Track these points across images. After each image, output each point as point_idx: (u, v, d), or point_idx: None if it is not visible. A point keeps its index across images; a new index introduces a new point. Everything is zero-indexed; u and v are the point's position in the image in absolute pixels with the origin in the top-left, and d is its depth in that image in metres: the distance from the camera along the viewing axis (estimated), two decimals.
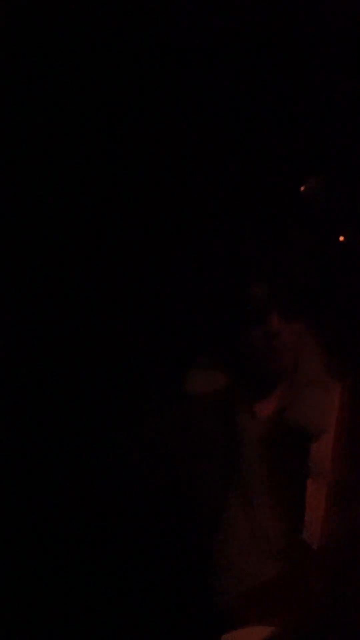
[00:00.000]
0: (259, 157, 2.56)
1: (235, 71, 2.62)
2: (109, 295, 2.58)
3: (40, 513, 2.34)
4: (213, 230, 2.46)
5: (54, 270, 2.61)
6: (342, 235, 2.37)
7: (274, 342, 2.15)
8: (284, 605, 2.08)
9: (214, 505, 2.17)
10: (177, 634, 2.17)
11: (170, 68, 2.63)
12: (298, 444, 2.15)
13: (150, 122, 2.64)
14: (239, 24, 2.59)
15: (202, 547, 2.16)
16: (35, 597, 2.31)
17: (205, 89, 2.65)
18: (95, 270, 2.60)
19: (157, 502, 2.21)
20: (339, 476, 2.11)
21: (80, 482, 2.32)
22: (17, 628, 2.28)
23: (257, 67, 2.61)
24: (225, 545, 2.15)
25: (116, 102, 2.65)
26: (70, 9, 2.61)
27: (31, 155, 2.63)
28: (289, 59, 2.59)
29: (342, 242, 2.36)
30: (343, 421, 2.15)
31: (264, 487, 2.15)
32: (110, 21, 2.62)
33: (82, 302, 2.58)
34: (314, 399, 2.17)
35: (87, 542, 2.29)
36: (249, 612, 2.11)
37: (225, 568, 2.14)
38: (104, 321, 2.57)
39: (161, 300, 2.55)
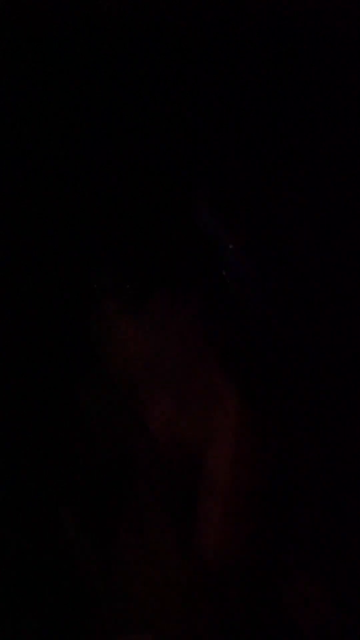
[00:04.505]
0: None
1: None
2: None
3: None
4: None
5: None
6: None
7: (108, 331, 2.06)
8: (170, 617, 2.07)
9: (103, 519, 2.11)
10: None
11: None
12: (190, 457, 2.10)
13: None
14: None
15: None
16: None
17: None
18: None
19: None
20: (232, 489, 2.08)
21: None
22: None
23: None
24: (118, 568, 2.10)
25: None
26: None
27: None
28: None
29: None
30: (236, 433, 2.12)
31: (158, 501, 2.10)
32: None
33: None
34: (202, 411, 2.13)
35: None
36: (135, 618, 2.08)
37: (118, 589, 2.09)
38: None
39: None
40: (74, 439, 2.12)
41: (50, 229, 2.69)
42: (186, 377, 2.15)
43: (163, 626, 2.03)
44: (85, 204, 2.65)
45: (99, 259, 2.05)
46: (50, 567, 2.09)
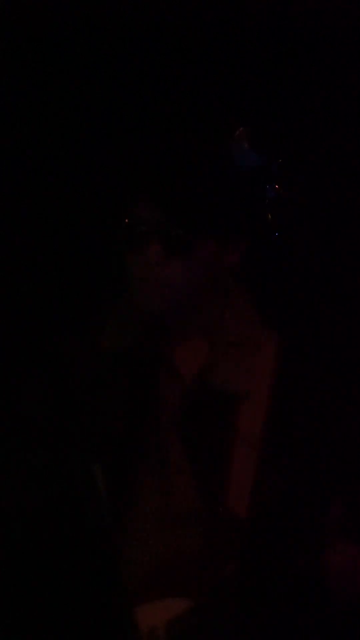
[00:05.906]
0: None
1: None
2: None
3: None
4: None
5: None
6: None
7: (152, 274, 1.98)
8: (199, 580, 2.00)
9: (125, 472, 2.04)
10: (84, 609, 2.03)
11: None
12: (224, 407, 2.03)
13: None
14: None
15: (109, 518, 2.02)
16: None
17: None
18: None
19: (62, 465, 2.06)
20: (270, 442, 2.03)
21: None
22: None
23: None
24: (137, 516, 2.03)
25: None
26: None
27: None
28: None
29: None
30: (275, 383, 2.06)
31: (183, 453, 2.04)
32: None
33: None
34: (242, 360, 2.06)
35: None
36: (160, 585, 2.01)
37: (136, 538, 2.03)
38: None
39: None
40: (97, 379, 2.09)
41: (92, 167, 2.68)
42: (224, 324, 2.08)
43: (180, 573, 2.00)
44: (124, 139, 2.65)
45: (143, 199, 2.01)
46: (66, 512, 2.05)
